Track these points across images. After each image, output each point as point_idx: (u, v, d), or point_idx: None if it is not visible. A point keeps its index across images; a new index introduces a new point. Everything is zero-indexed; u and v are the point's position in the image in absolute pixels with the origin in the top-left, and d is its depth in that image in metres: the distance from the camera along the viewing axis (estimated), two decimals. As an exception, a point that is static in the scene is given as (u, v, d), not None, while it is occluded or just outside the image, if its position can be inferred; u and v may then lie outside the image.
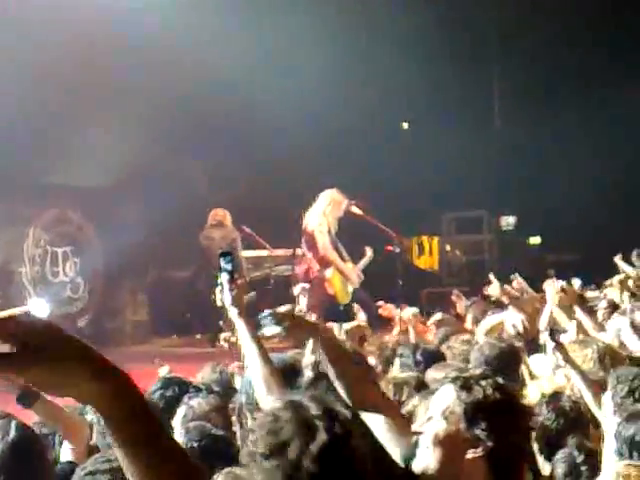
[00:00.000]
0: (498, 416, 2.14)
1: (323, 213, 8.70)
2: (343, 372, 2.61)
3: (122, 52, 10.29)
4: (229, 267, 3.07)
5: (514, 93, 15.07)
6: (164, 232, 11.32)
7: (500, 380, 2.23)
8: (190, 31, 10.63)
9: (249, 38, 11.20)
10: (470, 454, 2.12)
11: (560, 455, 3.19)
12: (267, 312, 2.84)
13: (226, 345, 5.08)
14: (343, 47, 12.19)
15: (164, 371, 4.77)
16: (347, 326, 5.77)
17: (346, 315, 7.20)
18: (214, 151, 12.01)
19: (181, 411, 3.44)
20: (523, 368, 4.41)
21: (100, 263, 11.86)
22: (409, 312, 6.40)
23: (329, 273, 8.67)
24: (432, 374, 3.93)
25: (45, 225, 11.45)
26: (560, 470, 3.15)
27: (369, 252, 8.96)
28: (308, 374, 3.21)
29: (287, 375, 3.12)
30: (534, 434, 3.10)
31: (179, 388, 3.74)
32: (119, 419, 1.22)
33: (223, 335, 5.25)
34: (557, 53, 14.28)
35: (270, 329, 2.80)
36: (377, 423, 2.42)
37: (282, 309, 4.94)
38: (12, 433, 2.75)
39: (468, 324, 6.61)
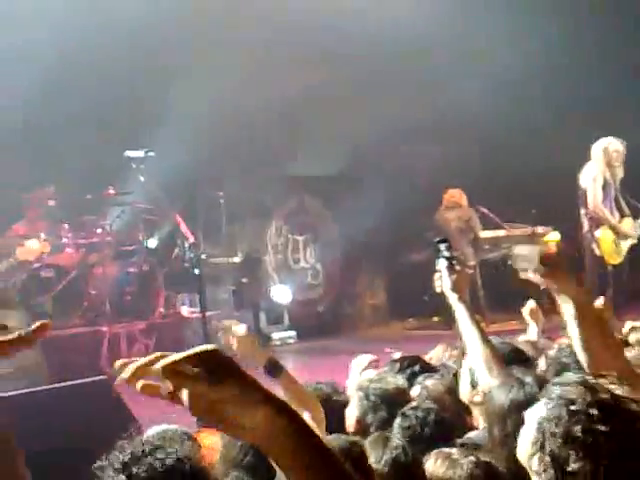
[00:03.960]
0: None
1: (600, 166, 8.17)
2: (593, 339, 2.46)
3: (362, 44, 10.43)
4: (447, 253, 3.11)
5: None
6: (400, 215, 11.43)
7: None
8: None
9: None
10: None
11: None
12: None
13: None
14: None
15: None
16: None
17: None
18: (449, 132, 11.89)
19: (415, 390, 3.47)
20: None
21: (338, 249, 12.22)
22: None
23: (599, 232, 8.22)
24: None
25: (286, 214, 12.00)
26: None
27: None
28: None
29: (513, 359, 3.07)
30: None
31: (417, 367, 3.78)
32: (287, 458, 1.16)
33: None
34: None
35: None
36: None
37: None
38: None
39: None
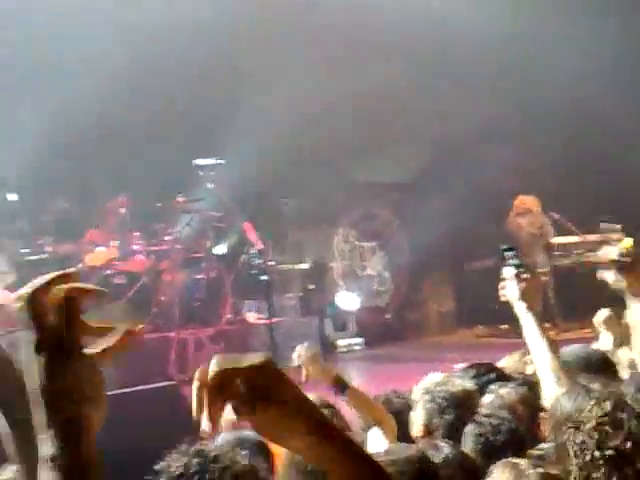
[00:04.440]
0: None
1: None
2: None
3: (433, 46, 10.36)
4: (514, 261, 3.06)
5: None
6: (468, 222, 11.32)
7: None
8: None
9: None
10: None
11: None
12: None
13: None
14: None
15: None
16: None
17: None
18: (519, 138, 11.72)
19: (488, 398, 3.41)
20: None
21: (405, 256, 12.16)
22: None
23: None
24: None
25: (353, 221, 11.99)
26: None
27: None
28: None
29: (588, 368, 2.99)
30: None
31: (491, 375, 3.72)
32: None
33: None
34: None
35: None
36: None
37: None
38: None
39: None
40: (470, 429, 2.88)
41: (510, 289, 3.02)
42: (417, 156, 11.21)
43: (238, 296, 9.44)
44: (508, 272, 3.04)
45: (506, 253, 3.08)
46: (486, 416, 2.94)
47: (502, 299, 3.08)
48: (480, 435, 2.82)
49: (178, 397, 5.96)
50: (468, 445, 2.69)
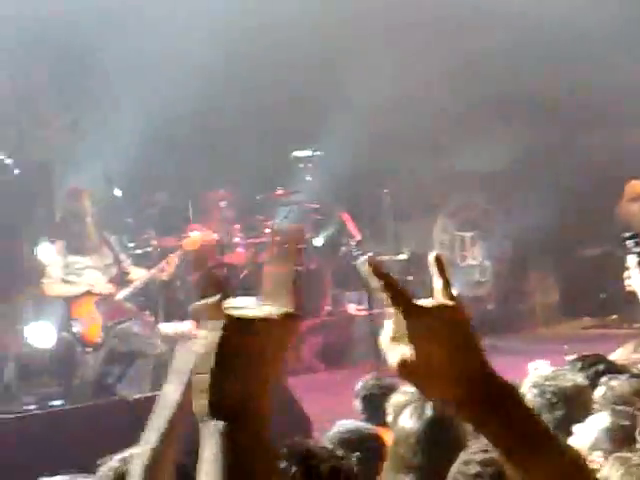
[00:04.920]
0: None
1: None
2: None
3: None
4: (638, 249, 2.91)
5: None
6: (571, 210, 11.00)
7: None
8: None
9: None
10: None
11: None
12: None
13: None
14: None
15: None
16: None
17: None
18: (626, 119, 11.29)
19: (599, 391, 3.28)
20: None
21: (506, 246, 11.91)
22: None
23: None
24: None
25: (452, 211, 11.83)
26: None
27: None
28: None
29: None
30: None
31: (601, 366, 3.59)
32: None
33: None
34: None
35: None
36: None
37: None
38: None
39: None
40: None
41: (635, 278, 2.89)
42: (519, 144, 10.94)
43: (338, 288, 9.45)
44: (632, 261, 2.91)
45: (628, 241, 2.95)
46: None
47: (627, 289, 2.96)
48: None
49: (282, 389, 6.00)
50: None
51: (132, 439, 1.74)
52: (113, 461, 2.34)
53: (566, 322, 11.57)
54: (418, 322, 1.08)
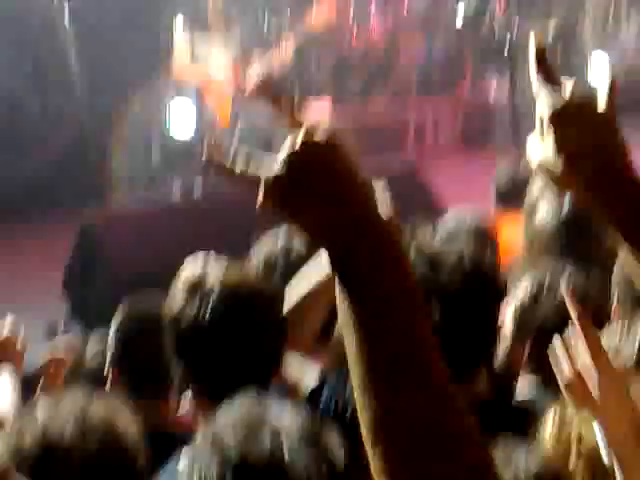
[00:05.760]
0: None
1: None
2: None
3: None
4: None
5: None
6: None
7: None
8: None
9: None
10: None
11: None
12: None
13: None
14: None
15: None
16: None
17: None
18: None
19: None
20: None
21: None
22: None
23: None
24: None
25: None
26: None
27: None
28: None
29: None
30: None
31: None
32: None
33: None
34: None
35: None
36: None
37: None
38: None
39: None
40: None
41: None
42: None
43: (478, 68, 9.06)
44: None
45: None
46: None
47: None
48: None
49: (414, 175, 5.92)
50: None
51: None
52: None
53: None
54: (564, 110, 1.05)
